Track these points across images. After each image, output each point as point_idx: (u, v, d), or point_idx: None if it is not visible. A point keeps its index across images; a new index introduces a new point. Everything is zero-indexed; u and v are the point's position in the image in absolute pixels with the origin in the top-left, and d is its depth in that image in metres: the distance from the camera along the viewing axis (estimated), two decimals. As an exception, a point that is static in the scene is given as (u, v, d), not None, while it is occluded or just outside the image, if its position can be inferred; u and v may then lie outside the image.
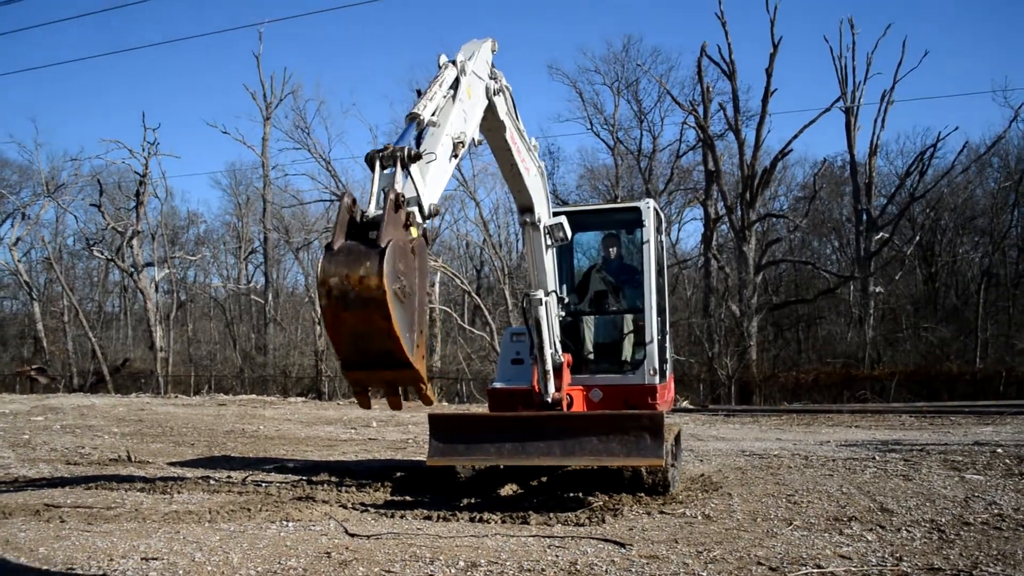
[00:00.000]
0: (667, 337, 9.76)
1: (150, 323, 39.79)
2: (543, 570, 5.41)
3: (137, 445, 13.62)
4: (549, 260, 8.16)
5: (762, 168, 31.25)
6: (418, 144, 5.07)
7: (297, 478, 9.79)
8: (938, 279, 36.47)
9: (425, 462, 8.33)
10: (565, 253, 10.09)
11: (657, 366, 8.85)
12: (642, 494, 7.92)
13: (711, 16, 34.67)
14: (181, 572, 5.43)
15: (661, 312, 9.33)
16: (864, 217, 33.43)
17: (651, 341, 8.87)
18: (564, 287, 9.68)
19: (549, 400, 8.18)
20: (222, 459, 12.12)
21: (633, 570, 5.38)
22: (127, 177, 42.80)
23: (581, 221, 9.76)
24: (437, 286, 35.47)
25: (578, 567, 5.46)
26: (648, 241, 9.14)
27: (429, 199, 4.68)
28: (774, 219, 37.09)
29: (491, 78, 6.52)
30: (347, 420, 18.98)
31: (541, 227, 7.91)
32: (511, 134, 7.12)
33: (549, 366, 8.14)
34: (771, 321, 35.64)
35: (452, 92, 5.71)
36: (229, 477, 10.00)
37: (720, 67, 32.09)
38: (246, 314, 48.45)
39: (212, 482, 9.56)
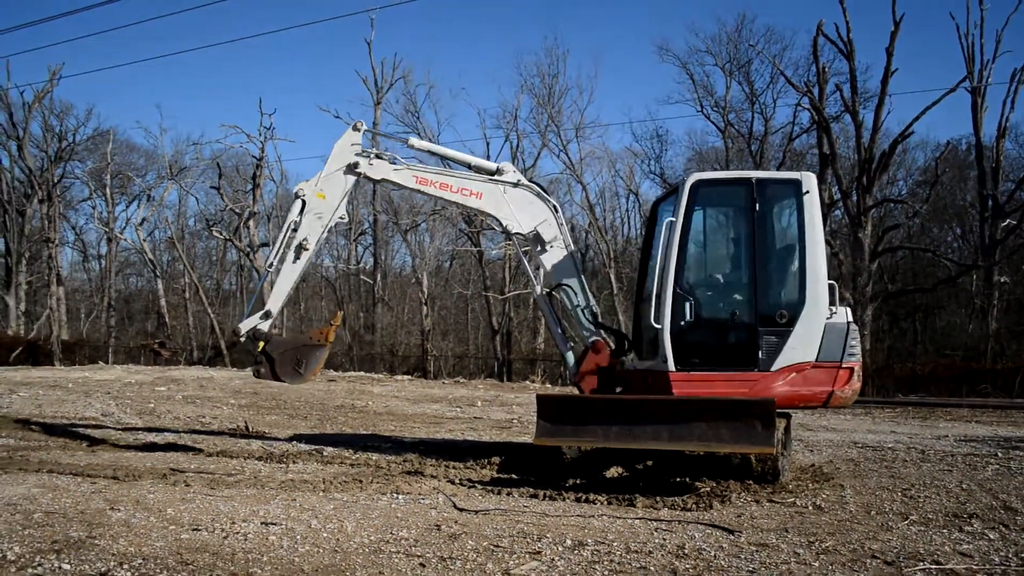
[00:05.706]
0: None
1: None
2: (650, 552, 5.40)
3: (253, 416, 14.20)
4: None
5: (880, 151, 30.07)
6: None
7: (406, 453, 10.04)
8: (1070, 269, 34.44)
9: (531, 441, 8.41)
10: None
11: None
12: (750, 482, 7.80)
13: (829, -6, 33.41)
14: (299, 538, 5.65)
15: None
16: (990, 203, 31.86)
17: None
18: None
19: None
20: (334, 432, 12.52)
21: (742, 556, 5.32)
22: (244, 160, 44.23)
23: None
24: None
25: (686, 551, 5.43)
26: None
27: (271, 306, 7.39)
28: (892, 205, 35.67)
29: (356, 155, 9.33)
30: (452, 399, 19.29)
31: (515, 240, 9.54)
32: (407, 181, 9.79)
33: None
34: (886, 310, 34.37)
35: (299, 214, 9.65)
36: (341, 450, 10.33)
37: (837, 46, 30.93)
38: (355, 294, 49.63)
39: (325, 454, 9.90)
